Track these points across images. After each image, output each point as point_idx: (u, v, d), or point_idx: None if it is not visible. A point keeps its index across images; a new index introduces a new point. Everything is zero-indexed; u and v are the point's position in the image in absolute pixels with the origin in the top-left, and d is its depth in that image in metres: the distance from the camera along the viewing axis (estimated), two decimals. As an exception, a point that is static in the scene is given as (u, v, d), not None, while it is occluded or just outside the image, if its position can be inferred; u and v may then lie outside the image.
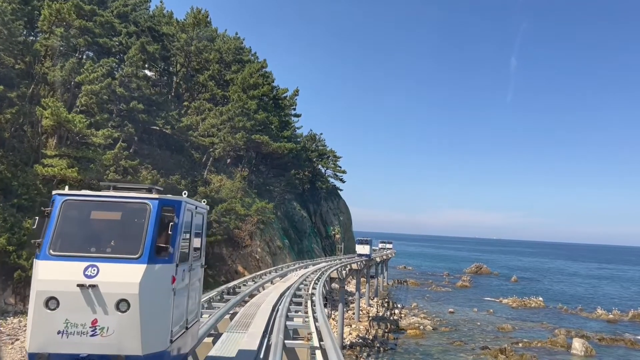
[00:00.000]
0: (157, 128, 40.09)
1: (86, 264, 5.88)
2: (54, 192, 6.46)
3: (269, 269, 33.52)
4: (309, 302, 14.61)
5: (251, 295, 18.22)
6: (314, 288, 20.73)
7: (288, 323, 11.22)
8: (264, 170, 63.35)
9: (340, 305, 37.36)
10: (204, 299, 14.67)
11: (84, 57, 38.59)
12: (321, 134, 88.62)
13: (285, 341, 9.44)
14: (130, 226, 6.41)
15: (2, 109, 29.70)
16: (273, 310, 14.01)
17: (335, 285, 38.86)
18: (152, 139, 41.98)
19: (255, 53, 63.47)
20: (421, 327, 44.96)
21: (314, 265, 42.52)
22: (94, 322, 5.78)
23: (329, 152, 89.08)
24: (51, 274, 5.78)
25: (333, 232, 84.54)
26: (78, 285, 5.73)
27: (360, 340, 38.03)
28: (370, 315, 48.99)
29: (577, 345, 38.05)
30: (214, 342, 10.31)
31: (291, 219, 67.18)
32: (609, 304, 66.81)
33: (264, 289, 21.48)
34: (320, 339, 9.75)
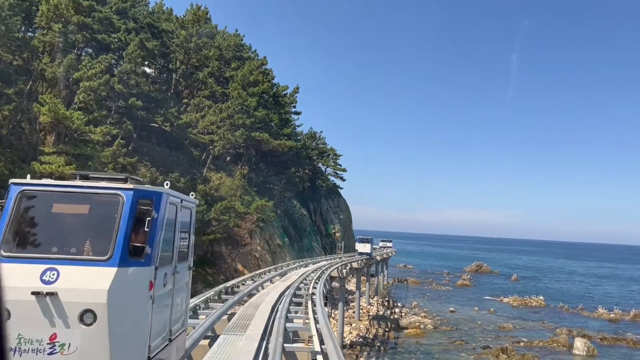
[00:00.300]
0: (157, 125, 39.77)
1: (44, 267, 4.94)
2: (10, 181, 5.58)
3: (268, 268, 33.24)
4: (309, 303, 14.29)
5: (250, 295, 17.89)
6: (314, 287, 20.44)
7: (288, 325, 10.84)
8: (264, 168, 63.05)
9: (340, 304, 37.11)
10: (201, 299, 14.35)
11: (83, 53, 38.27)
12: (321, 132, 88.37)
13: (285, 345, 9.09)
14: (100, 222, 5.46)
15: (0, 105, 29.39)
16: (272, 310, 13.66)
17: (335, 284, 38.58)
18: (151, 136, 41.67)
19: (256, 50, 63.15)
20: (422, 326, 44.70)
21: (314, 263, 42.24)
22: (53, 337, 4.85)
23: (329, 150, 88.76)
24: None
25: (333, 231, 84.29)
26: (33, 293, 4.77)
27: (360, 340, 37.78)
28: (371, 314, 48.75)
29: (579, 345, 37.79)
30: (210, 345, 9.89)
31: (291, 217, 66.90)
32: (610, 303, 66.59)
33: (263, 288, 21.16)
34: (322, 342, 9.42)
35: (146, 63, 43.57)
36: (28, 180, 5.67)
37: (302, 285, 21.42)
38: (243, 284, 21.01)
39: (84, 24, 35.55)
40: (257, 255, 44.77)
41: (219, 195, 41.60)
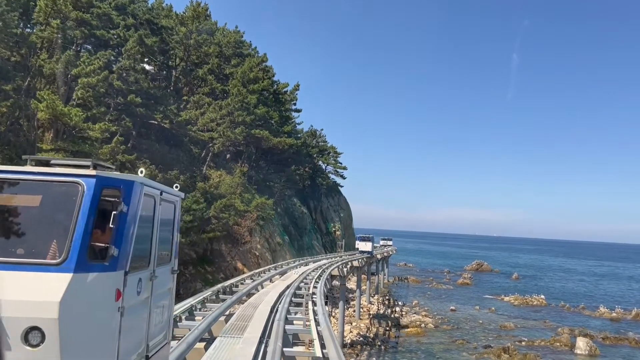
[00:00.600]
0: (156, 122, 39.45)
1: None
2: None
3: (268, 267, 32.95)
4: (310, 303, 13.96)
5: (249, 295, 17.55)
6: (314, 287, 20.13)
7: (287, 327, 10.46)
8: (264, 166, 62.73)
9: (341, 303, 36.86)
10: (198, 299, 14.00)
11: (82, 50, 37.94)
12: (322, 129, 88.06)
13: (284, 349, 8.74)
14: (53, 216, 4.42)
15: (-2, 101, 29.08)
16: (271, 311, 13.31)
17: (336, 283, 38.31)
18: (150, 134, 41.35)
19: (256, 47, 62.79)
20: (423, 325, 44.46)
21: (314, 262, 41.97)
22: None
23: (329, 149, 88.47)
24: None
25: (333, 229, 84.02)
26: None
27: (361, 339, 37.53)
28: (371, 312, 48.51)
29: (582, 344, 37.52)
30: (206, 348, 9.46)
31: (291, 216, 66.62)
32: (611, 302, 66.40)
33: (262, 287, 20.84)
34: (323, 346, 9.09)
35: (146, 60, 43.21)
36: None
37: (302, 284, 21.10)
38: (242, 283, 20.70)
39: (82, 19, 35.18)
40: (257, 254, 44.49)
41: (218, 193, 41.31)
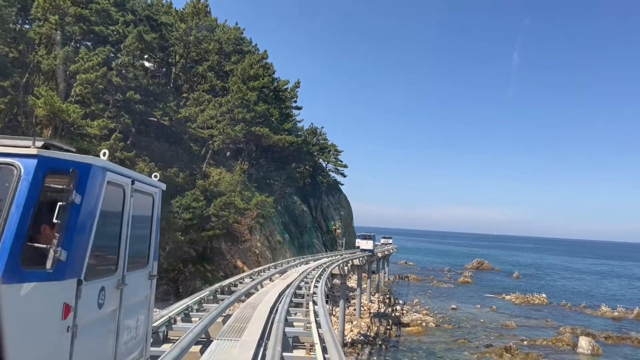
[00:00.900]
0: (155, 119, 39.14)
1: None
2: None
3: (267, 265, 32.63)
4: (311, 303, 13.64)
5: (248, 295, 17.23)
6: (315, 286, 19.81)
7: (287, 329, 10.10)
8: (264, 163, 62.37)
9: (341, 302, 36.57)
10: (195, 299, 13.64)
11: (82, 47, 37.61)
12: (322, 127, 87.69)
13: (284, 354, 8.41)
14: None
15: (-5, 98, 28.80)
16: (271, 312, 12.98)
17: (336, 281, 38.02)
18: (149, 131, 41.03)
19: (256, 45, 62.42)
20: (423, 324, 44.16)
21: (314, 260, 41.65)
22: None
23: (330, 146, 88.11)
24: None
25: (334, 227, 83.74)
26: None
27: (361, 338, 37.25)
28: (372, 311, 48.24)
29: (584, 343, 37.23)
30: (202, 352, 9.08)
31: (291, 214, 66.31)
32: (613, 300, 66.10)
33: (262, 287, 20.53)
34: (325, 351, 8.77)
35: (145, 57, 42.87)
36: None
37: (302, 284, 20.78)
38: (241, 282, 20.39)
39: (81, 15, 34.87)
40: (257, 252, 44.20)
41: (218, 191, 41.02)
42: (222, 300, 14.48)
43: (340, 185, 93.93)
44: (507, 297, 65.70)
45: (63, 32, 34.05)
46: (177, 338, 9.11)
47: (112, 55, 37.91)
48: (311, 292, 17.78)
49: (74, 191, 3.58)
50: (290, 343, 9.53)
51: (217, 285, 17.66)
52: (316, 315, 11.95)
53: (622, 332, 45.28)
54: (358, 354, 33.52)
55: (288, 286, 19.30)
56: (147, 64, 43.85)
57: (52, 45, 33.58)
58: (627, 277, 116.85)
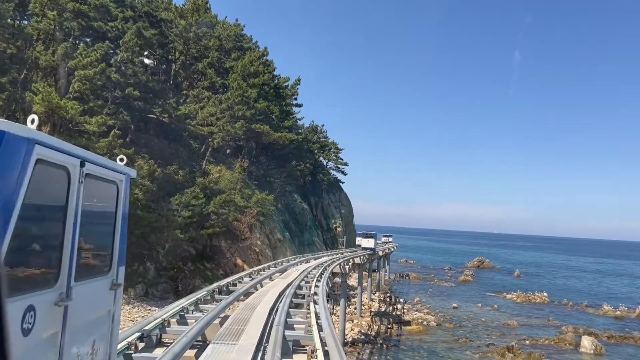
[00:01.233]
0: (155, 116, 38.79)
1: None
2: None
3: (267, 264, 32.29)
4: (312, 304, 13.29)
5: (246, 295, 16.86)
6: (316, 286, 19.47)
7: (287, 332, 9.70)
8: (265, 161, 62.03)
9: (342, 301, 36.27)
10: (191, 300, 13.27)
11: (80, 43, 37.26)
12: (323, 125, 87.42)
13: (284, 359, 8.06)
14: None
15: (-8, 94, 28.45)
16: (270, 313, 12.59)
17: (337, 280, 37.72)
18: (149, 128, 40.70)
19: (256, 42, 62.06)
20: (425, 322, 43.86)
21: (315, 259, 41.32)
22: None
23: (330, 144, 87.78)
24: None
25: (334, 225, 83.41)
26: None
27: (362, 337, 36.98)
28: (373, 310, 47.96)
29: (587, 343, 36.94)
30: (197, 356, 8.68)
31: (292, 212, 65.99)
32: (614, 299, 65.81)
33: (261, 286, 20.18)
34: (326, 354, 8.42)
35: (145, 53, 42.49)
36: None
37: (303, 283, 20.43)
38: (240, 282, 20.04)
39: (79, 11, 34.51)
40: (257, 250, 43.90)
41: (218, 189, 40.67)
42: (220, 300, 14.12)
43: (340, 183, 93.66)
44: (509, 296, 65.40)
45: (61, 28, 33.70)
46: (172, 342, 8.75)
47: (111, 51, 37.58)
48: (312, 292, 17.44)
49: None
50: (291, 347, 9.17)
51: (215, 284, 17.30)
52: (317, 317, 11.60)
53: (625, 331, 44.99)
54: (359, 353, 33.24)
55: (288, 286, 18.95)
56: (146, 60, 43.49)
57: (50, 41, 33.25)
58: (628, 275, 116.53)
